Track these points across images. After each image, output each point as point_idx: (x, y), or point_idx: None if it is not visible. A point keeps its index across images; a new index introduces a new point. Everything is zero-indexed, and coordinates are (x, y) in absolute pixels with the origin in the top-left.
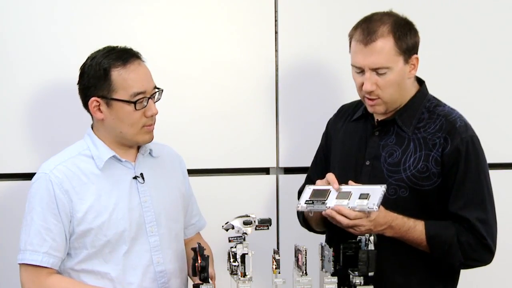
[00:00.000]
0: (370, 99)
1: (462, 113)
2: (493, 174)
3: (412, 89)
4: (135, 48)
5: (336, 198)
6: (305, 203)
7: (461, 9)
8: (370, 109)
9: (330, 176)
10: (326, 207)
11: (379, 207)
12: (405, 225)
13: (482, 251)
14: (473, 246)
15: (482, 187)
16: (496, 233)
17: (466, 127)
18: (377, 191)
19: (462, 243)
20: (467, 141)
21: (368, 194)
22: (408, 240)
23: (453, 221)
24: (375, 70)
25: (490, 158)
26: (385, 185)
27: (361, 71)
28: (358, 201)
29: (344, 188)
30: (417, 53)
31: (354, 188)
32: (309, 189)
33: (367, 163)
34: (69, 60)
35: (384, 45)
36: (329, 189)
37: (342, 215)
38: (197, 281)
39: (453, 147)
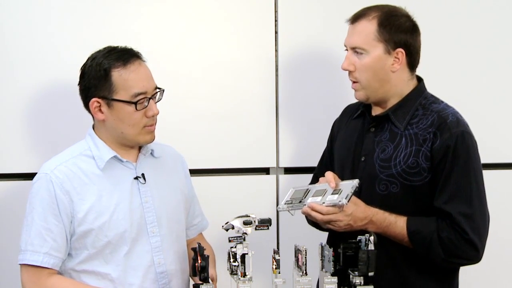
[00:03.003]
0: (352, 82)
1: (461, 112)
2: (492, 174)
3: (407, 86)
4: (135, 48)
5: (312, 196)
6: (285, 203)
7: (462, 8)
8: (354, 95)
9: (328, 174)
10: (303, 205)
11: (348, 201)
12: (385, 220)
13: (464, 247)
14: (454, 242)
15: (470, 182)
16: (485, 230)
17: (458, 122)
18: (349, 186)
19: (442, 239)
20: (457, 136)
21: (340, 189)
22: (390, 235)
23: (438, 216)
24: (354, 49)
25: (490, 158)
26: (358, 179)
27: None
28: (330, 197)
29: (321, 186)
30: (407, 50)
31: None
32: (291, 190)
33: (362, 159)
34: (70, 60)
35: (365, 27)
36: (308, 189)
37: (316, 211)
38: (198, 281)
39: (442, 141)
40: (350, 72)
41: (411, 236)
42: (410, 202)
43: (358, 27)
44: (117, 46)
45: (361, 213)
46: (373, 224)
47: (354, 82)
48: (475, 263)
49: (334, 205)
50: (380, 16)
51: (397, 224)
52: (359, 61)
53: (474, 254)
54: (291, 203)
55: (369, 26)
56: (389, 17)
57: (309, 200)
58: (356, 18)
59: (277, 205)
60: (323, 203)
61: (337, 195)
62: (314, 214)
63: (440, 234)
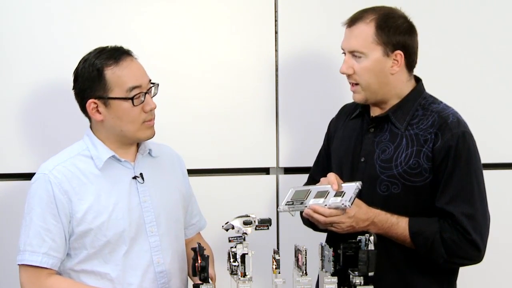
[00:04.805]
0: (351, 85)
1: (461, 112)
2: (493, 174)
3: (406, 87)
4: (135, 48)
5: (314, 198)
6: (286, 204)
7: (461, 7)
8: (353, 97)
9: (330, 176)
10: (305, 206)
11: (352, 203)
12: (388, 221)
13: (467, 248)
14: (457, 242)
15: (471, 182)
16: (486, 230)
17: (458, 122)
18: (352, 188)
19: (445, 240)
20: (458, 136)
21: (343, 191)
22: (392, 236)
23: (440, 217)
24: (352, 53)
25: (490, 158)
26: (360, 181)
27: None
28: (333, 199)
29: (323, 187)
30: (406, 52)
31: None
32: (291, 191)
33: (362, 160)
34: (69, 60)
35: (363, 30)
36: (309, 190)
37: (318, 213)
38: (197, 281)
39: (444, 142)
40: (349, 75)
41: (413, 237)
42: (411, 202)
43: (356, 31)
44: (107, 46)
45: (363, 214)
46: (375, 226)
47: (354, 84)
48: (476, 263)
49: (337, 208)
50: (378, 19)
51: (399, 225)
52: (358, 65)
53: (476, 254)
54: (292, 204)
55: (367, 29)
56: (387, 19)
57: (311, 201)
58: (353, 21)
59: (277, 205)
60: (326, 205)
61: (339, 197)
62: (316, 216)
63: (443, 235)
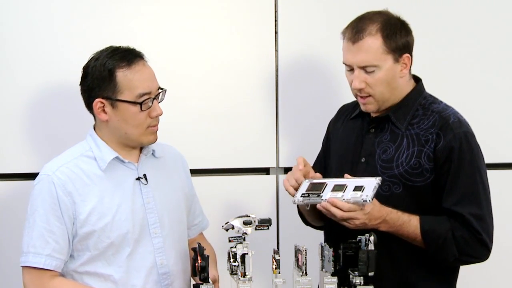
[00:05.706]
0: (361, 97)
1: (461, 112)
2: (493, 174)
3: (407, 87)
4: (135, 48)
5: (331, 191)
6: (301, 196)
7: (461, 8)
8: (362, 108)
9: (299, 159)
10: (322, 199)
11: (372, 199)
12: (399, 219)
13: (477, 247)
14: (468, 241)
15: (476, 183)
16: (492, 229)
17: (460, 123)
18: (371, 183)
19: (456, 238)
20: (460, 137)
21: (362, 186)
22: (402, 234)
23: (448, 217)
24: (363, 68)
25: (490, 158)
26: (380, 177)
27: (351, 69)
28: (352, 193)
29: (340, 181)
30: (409, 52)
31: (350, 181)
32: (306, 183)
33: (363, 160)
34: (71, 60)
35: (372, 44)
36: (325, 183)
37: (336, 207)
38: (198, 281)
39: (446, 142)
40: (360, 89)
41: (425, 235)
42: (412, 202)
43: (364, 45)
44: (120, 46)
45: (377, 212)
46: (387, 223)
47: (365, 97)
48: (483, 261)
49: (355, 203)
50: (382, 28)
51: (411, 223)
52: (371, 78)
53: (485, 253)
54: (307, 196)
55: (375, 41)
56: (389, 26)
57: (329, 195)
58: (357, 36)
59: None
60: (344, 199)
61: (359, 192)
62: (334, 210)
63: (455, 233)
